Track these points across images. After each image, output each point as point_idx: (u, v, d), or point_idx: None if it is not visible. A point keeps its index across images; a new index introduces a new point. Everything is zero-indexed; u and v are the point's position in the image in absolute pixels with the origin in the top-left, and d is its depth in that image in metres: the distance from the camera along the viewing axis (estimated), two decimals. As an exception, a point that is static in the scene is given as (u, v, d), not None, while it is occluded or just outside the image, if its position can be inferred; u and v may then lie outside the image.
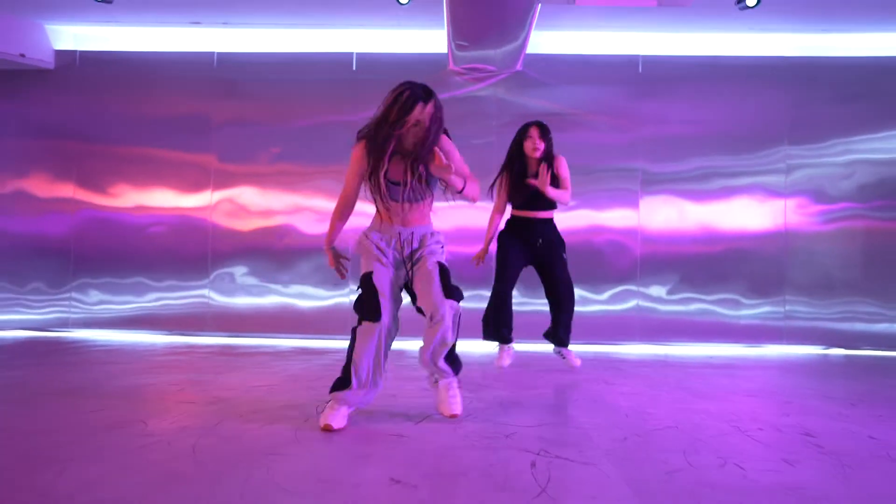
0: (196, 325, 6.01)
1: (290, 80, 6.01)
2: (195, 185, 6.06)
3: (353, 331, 2.81)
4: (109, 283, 6.04)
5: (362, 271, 2.84)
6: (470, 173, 2.90)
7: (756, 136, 5.89)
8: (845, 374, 4.63)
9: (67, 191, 6.08)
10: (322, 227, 6.01)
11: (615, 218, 5.92)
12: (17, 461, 2.17)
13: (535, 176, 4.05)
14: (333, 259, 2.99)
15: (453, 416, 2.86)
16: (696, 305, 5.88)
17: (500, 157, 5.96)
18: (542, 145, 4.09)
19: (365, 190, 2.90)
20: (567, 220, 5.91)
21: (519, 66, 5.84)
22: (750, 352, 5.70)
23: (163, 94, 6.07)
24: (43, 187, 6.08)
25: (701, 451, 2.45)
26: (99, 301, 6.05)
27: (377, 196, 2.85)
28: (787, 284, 5.84)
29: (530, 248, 4.23)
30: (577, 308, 5.77)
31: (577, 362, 4.38)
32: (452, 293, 2.81)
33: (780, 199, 5.88)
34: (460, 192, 2.85)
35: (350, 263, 3.04)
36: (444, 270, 2.84)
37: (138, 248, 6.02)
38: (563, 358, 4.41)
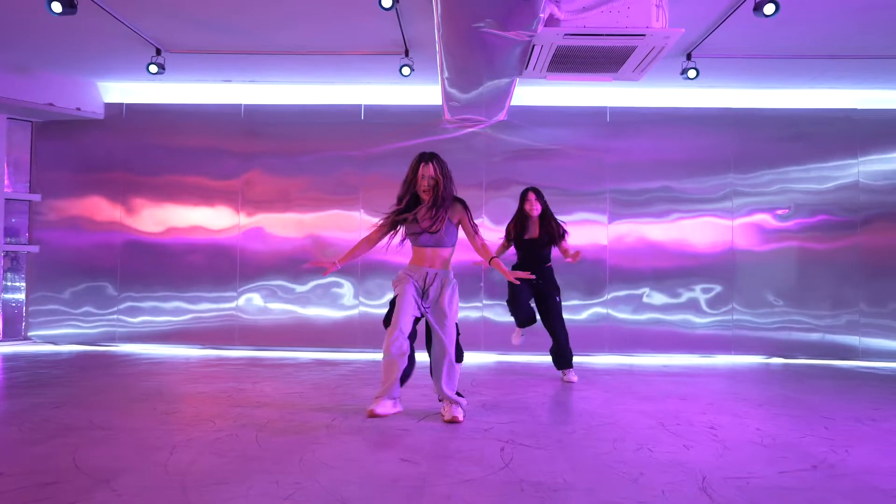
0: (225, 340, 6.93)
1: (306, 125, 6.97)
2: (225, 214, 6.99)
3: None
4: (150, 299, 6.97)
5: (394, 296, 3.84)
6: (482, 240, 3.90)
7: (707, 168, 6.89)
8: (772, 380, 5.56)
9: (115, 216, 7.02)
10: (334, 251, 6.96)
11: (587, 236, 6.87)
12: (134, 449, 3.09)
13: (539, 237, 5.16)
14: (323, 261, 3.98)
15: (454, 420, 3.75)
16: (656, 315, 6.82)
17: (488, 184, 6.94)
18: (538, 206, 5.15)
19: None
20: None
21: (503, 117, 6.79)
22: (703, 361, 6.63)
23: (197, 138, 7.02)
24: (94, 216, 7.02)
25: (625, 440, 3.37)
26: (140, 316, 6.97)
27: (410, 238, 3.88)
28: (734, 299, 6.79)
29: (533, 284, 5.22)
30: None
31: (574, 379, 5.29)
32: (459, 356, 3.84)
33: (728, 220, 6.85)
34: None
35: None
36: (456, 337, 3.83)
37: (175, 270, 6.95)
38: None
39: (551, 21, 4.20)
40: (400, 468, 2.80)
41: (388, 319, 3.79)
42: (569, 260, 5.16)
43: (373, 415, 3.65)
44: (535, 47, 4.52)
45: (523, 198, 5.21)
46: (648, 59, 4.76)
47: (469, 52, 4.65)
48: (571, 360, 5.31)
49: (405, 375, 3.87)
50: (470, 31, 4.20)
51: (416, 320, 3.85)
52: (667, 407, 4.26)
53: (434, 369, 3.81)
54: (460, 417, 3.76)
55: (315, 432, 3.45)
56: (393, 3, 4.33)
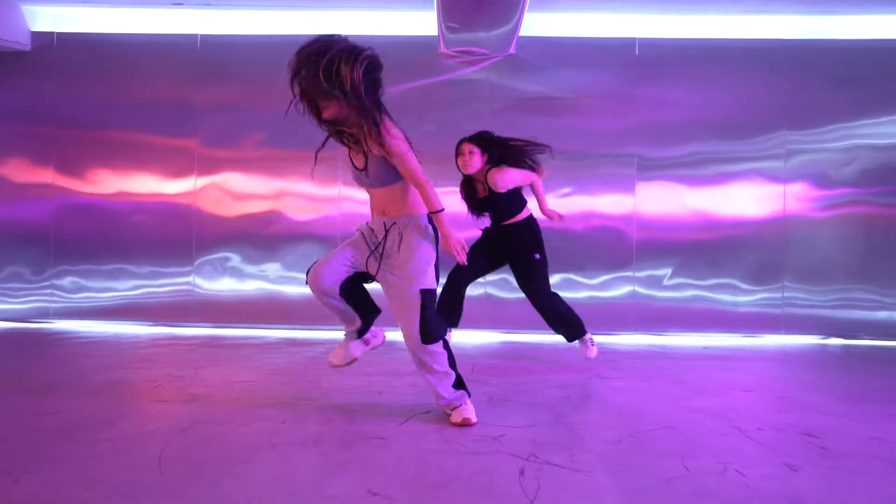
0: (181, 316, 5.85)
1: (275, 62, 5.76)
2: (178, 171, 5.87)
3: None
4: (91, 271, 5.88)
5: None
6: (422, 180, 2.60)
7: (755, 120, 5.73)
8: (844, 365, 4.52)
9: (46, 177, 5.89)
10: (309, 214, 5.85)
11: (610, 204, 5.77)
12: (-31, 472, 2.03)
13: (481, 197, 3.95)
14: None
15: (465, 423, 2.68)
16: (693, 293, 5.75)
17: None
18: (474, 161, 3.86)
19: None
20: (562, 206, 5.77)
21: (512, 50, 5.65)
22: (747, 342, 5.59)
23: (144, 78, 5.86)
24: (20, 174, 5.88)
25: (699, 456, 2.32)
26: (80, 291, 5.89)
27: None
28: (786, 272, 5.71)
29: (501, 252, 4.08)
30: (573, 295, 5.67)
31: (592, 353, 4.11)
32: (428, 335, 2.64)
33: (780, 184, 5.73)
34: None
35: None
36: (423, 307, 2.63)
37: (121, 236, 5.84)
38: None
39: None
40: (363, 510, 1.76)
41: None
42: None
43: (331, 365, 3.05)
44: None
45: (456, 150, 3.93)
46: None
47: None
48: (581, 325, 4.06)
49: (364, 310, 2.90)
50: None
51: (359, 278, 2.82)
52: (733, 403, 3.20)
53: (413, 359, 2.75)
54: (472, 418, 2.70)
55: (251, 442, 2.39)
56: None
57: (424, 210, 2.70)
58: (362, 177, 2.70)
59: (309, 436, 2.50)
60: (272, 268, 5.84)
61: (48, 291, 5.89)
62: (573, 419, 2.83)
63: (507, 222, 4.02)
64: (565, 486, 2.00)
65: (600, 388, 3.52)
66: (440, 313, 3.65)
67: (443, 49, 5.61)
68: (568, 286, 5.72)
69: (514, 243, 4.00)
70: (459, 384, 2.76)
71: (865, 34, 5.69)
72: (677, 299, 5.75)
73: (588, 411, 3.00)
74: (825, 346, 5.48)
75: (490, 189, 3.91)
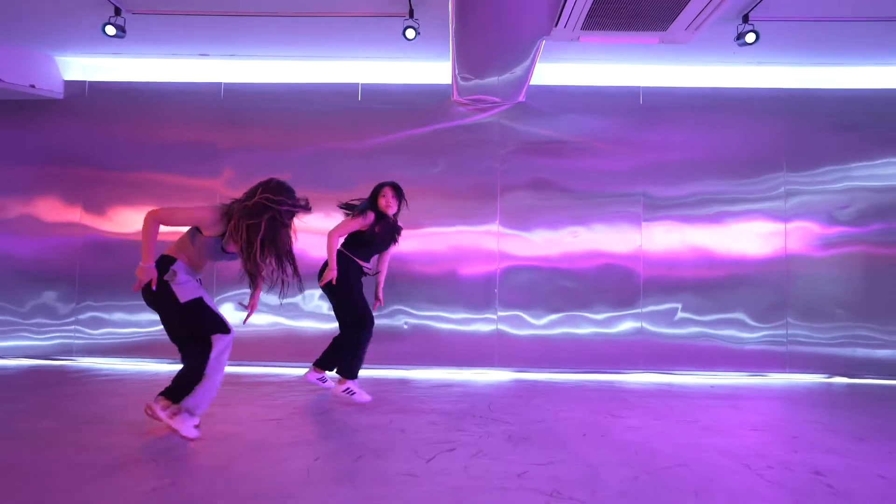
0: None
1: (296, 109, 6.08)
2: (201, 214, 6.08)
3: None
4: (113, 307, 6.04)
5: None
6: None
7: (756, 163, 5.96)
8: (849, 404, 4.64)
9: (74, 216, 6.10)
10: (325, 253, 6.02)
11: (618, 243, 5.96)
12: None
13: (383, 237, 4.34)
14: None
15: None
16: (698, 329, 5.90)
17: (504, 182, 6.06)
18: (394, 204, 4.32)
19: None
20: (570, 244, 5.97)
21: (521, 98, 5.91)
22: (753, 380, 5.71)
23: (170, 123, 6.12)
24: (50, 213, 6.10)
25: (713, 493, 2.46)
26: (102, 326, 6.05)
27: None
28: (789, 310, 5.87)
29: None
30: (581, 332, 5.83)
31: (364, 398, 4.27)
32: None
33: (781, 223, 5.94)
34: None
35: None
36: None
37: (143, 276, 6.01)
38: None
39: (596, -46, 3.34)
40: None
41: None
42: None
43: None
44: (572, -8, 3.66)
45: (377, 191, 4.34)
46: (707, 12, 3.90)
47: (488, 3, 3.78)
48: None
49: None
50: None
51: None
52: (743, 441, 3.34)
53: None
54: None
55: (289, 479, 2.53)
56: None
57: None
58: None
59: (343, 473, 2.64)
60: (290, 305, 6.00)
61: (72, 328, 6.05)
62: (591, 457, 2.96)
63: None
64: (589, 522, 2.14)
65: (614, 427, 3.66)
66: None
67: (456, 97, 5.87)
68: (576, 324, 5.88)
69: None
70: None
71: (859, 84, 5.96)
72: (684, 336, 5.90)
73: (604, 449, 3.13)
74: (829, 384, 5.60)
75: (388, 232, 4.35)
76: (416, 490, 2.44)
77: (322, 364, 4.58)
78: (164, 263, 3.25)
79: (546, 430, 3.54)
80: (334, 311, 4.38)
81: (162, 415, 3.16)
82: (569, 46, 5.29)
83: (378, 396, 4.49)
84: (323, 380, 4.65)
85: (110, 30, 4.75)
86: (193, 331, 3.27)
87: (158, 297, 3.23)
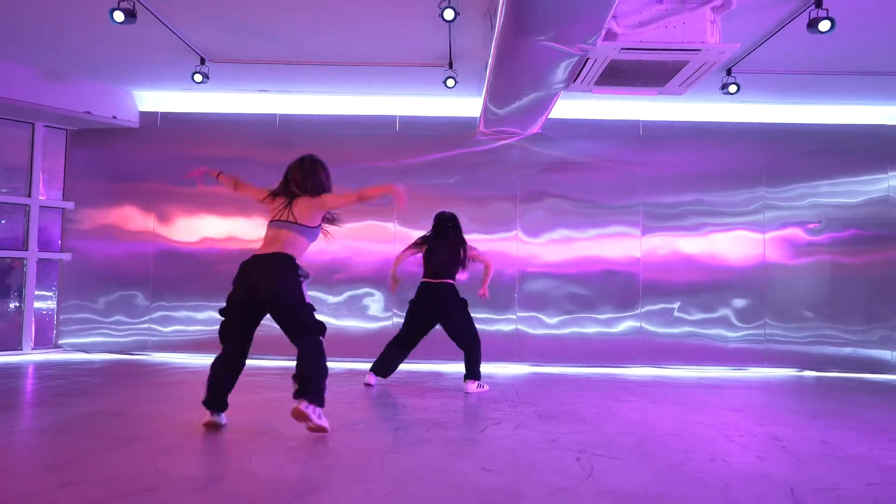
0: (256, 350, 6.88)
1: (342, 136, 7.00)
2: (258, 224, 6.99)
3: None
4: (181, 308, 6.95)
5: None
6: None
7: (738, 182, 6.95)
8: (812, 393, 5.59)
9: (148, 225, 7.02)
10: (369, 264, 6.95)
11: (620, 249, 6.90)
12: (211, 458, 3.07)
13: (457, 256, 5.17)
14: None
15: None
16: (689, 329, 6.85)
17: (522, 197, 6.96)
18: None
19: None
20: (576, 251, 6.89)
21: (537, 129, 6.84)
22: (736, 374, 6.66)
23: (231, 147, 7.02)
24: (128, 222, 7.03)
25: (696, 451, 3.38)
26: (171, 325, 6.94)
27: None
28: (766, 312, 6.83)
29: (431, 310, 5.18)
30: (588, 331, 6.78)
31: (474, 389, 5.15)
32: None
33: (760, 234, 6.90)
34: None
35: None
36: None
37: (207, 280, 6.93)
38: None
39: (609, 35, 4.25)
40: (486, 479, 2.80)
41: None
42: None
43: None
44: (589, 61, 4.57)
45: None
46: (697, 74, 4.82)
47: (521, 65, 4.69)
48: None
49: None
50: (528, 44, 4.24)
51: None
52: (722, 419, 4.27)
53: None
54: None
55: (385, 441, 3.44)
56: (455, 16, 4.37)
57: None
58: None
59: (421, 437, 3.56)
60: (339, 305, 6.92)
61: (146, 327, 6.95)
62: (605, 429, 3.88)
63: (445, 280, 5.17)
64: (609, 467, 3.05)
65: (620, 408, 4.59)
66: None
67: (482, 128, 6.79)
68: (581, 323, 6.82)
69: (443, 301, 5.15)
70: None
71: (826, 119, 7.01)
72: (677, 335, 6.85)
73: (614, 423, 4.05)
74: (801, 377, 6.56)
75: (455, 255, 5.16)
76: (482, 449, 3.36)
77: (380, 371, 5.35)
78: (295, 265, 3.61)
79: (567, 410, 4.46)
80: (459, 328, 5.12)
81: (315, 419, 3.43)
82: (584, 94, 6.20)
83: (422, 385, 5.41)
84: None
85: (198, 78, 5.65)
86: (306, 327, 3.59)
87: (290, 292, 3.54)
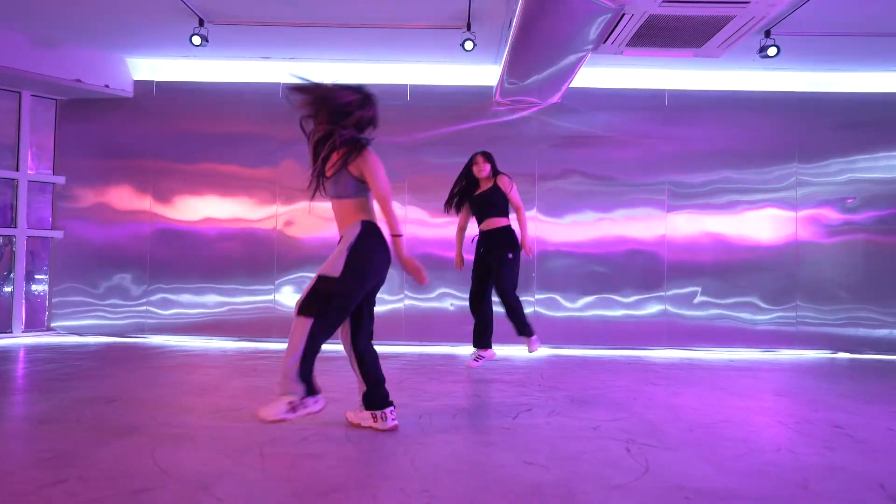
0: (262, 331, 6.56)
1: (349, 108, 6.58)
2: (262, 201, 6.62)
3: None
4: (181, 289, 6.58)
5: None
6: (389, 207, 3.03)
7: (770, 156, 6.56)
8: (852, 376, 5.26)
9: (144, 204, 6.62)
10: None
11: (644, 229, 6.54)
12: (216, 450, 2.73)
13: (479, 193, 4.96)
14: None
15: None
16: (716, 311, 6.51)
17: (540, 173, 6.60)
18: (486, 167, 4.95)
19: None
20: (599, 231, 6.54)
21: (557, 99, 6.44)
22: (765, 356, 6.33)
23: (232, 120, 6.62)
24: (122, 201, 6.62)
25: (756, 440, 3.05)
26: (171, 307, 6.59)
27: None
28: (798, 292, 6.49)
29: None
30: (611, 313, 6.44)
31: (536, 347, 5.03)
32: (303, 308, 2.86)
33: (792, 212, 6.53)
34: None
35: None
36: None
37: (208, 260, 6.56)
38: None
39: (650, -15, 3.86)
40: (530, 473, 2.47)
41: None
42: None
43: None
44: (625, 17, 4.19)
45: (471, 161, 5.01)
46: (740, 33, 4.44)
47: (551, 24, 4.31)
48: (529, 326, 5.01)
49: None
50: (560, -4, 3.86)
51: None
52: (771, 404, 3.95)
53: None
54: (280, 414, 2.85)
55: (409, 431, 3.11)
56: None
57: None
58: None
59: (448, 426, 3.22)
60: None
61: (143, 309, 6.59)
62: (648, 415, 3.55)
63: (492, 227, 4.93)
64: (665, 459, 2.72)
65: (656, 392, 4.25)
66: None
67: (498, 98, 6.39)
68: (605, 305, 6.49)
69: (496, 244, 4.93)
70: (304, 375, 2.85)
71: (863, 88, 6.55)
72: (703, 317, 6.51)
73: (655, 409, 3.72)
74: (833, 359, 6.24)
75: (490, 191, 4.94)
76: (518, 437, 3.02)
77: (484, 344, 5.05)
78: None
79: (599, 395, 4.13)
80: (505, 280, 4.83)
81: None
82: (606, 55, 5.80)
83: (435, 370, 5.08)
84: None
85: (196, 40, 5.23)
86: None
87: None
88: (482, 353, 5.01)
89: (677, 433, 3.15)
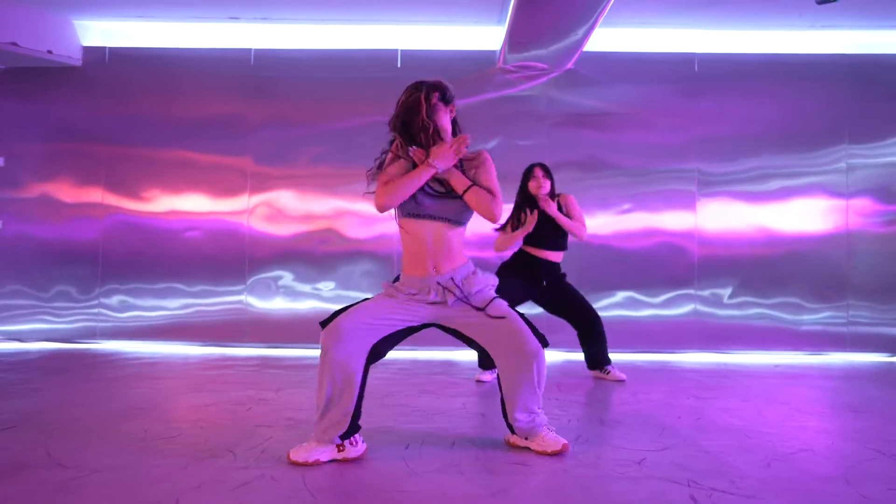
0: (233, 336, 5.73)
1: (331, 77, 5.76)
2: (231, 189, 5.78)
3: None
4: (140, 290, 5.75)
5: None
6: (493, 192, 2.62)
7: (815, 134, 5.70)
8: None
9: (95, 196, 5.78)
10: (365, 232, 5.75)
11: (671, 220, 5.70)
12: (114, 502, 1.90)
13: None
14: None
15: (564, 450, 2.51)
16: (756, 310, 5.66)
17: (550, 159, 5.74)
18: (546, 184, 4.16)
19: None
20: (621, 222, 5.72)
21: (571, 65, 5.61)
22: (812, 360, 5.49)
23: (197, 94, 5.79)
24: (70, 192, 5.77)
25: (862, 480, 2.21)
26: (129, 310, 5.75)
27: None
28: (850, 289, 5.64)
29: (532, 287, 4.21)
30: (631, 313, 5.60)
31: (622, 376, 4.28)
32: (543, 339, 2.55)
33: (842, 199, 5.68)
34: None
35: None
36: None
37: (171, 255, 5.73)
38: (608, 374, 4.31)
39: None
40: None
41: None
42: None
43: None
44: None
45: (527, 175, 4.21)
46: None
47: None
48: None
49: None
50: None
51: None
52: (850, 423, 3.10)
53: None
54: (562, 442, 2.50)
55: (391, 471, 2.27)
56: None
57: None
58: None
59: (445, 462, 2.38)
60: (327, 286, 5.72)
61: (95, 311, 5.75)
62: (703, 442, 2.71)
63: (550, 259, 4.21)
64: (754, 515, 1.89)
65: (704, 408, 3.41)
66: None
67: (501, 64, 5.56)
68: (630, 305, 5.65)
69: (548, 272, 4.22)
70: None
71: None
72: (739, 317, 5.66)
73: (710, 432, 2.88)
74: (893, 364, 5.39)
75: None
76: (537, 480, 2.18)
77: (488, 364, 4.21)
78: None
79: (634, 412, 3.29)
80: (574, 307, 4.27)
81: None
82: (623, 7, 4.94)
83: (434, 380, 4.25)
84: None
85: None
86: None
87: None
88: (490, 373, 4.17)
89: (751, 469, 2.32)
